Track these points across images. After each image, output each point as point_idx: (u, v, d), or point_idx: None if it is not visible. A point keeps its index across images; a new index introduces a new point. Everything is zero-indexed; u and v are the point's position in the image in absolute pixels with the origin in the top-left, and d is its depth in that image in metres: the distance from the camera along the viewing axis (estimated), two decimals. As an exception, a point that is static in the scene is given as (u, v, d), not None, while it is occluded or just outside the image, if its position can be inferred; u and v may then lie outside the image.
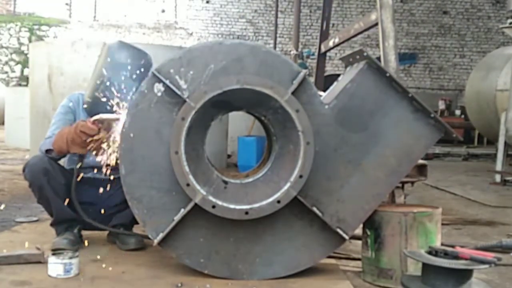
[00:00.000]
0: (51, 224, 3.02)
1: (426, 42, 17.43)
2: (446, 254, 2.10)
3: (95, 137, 2.69)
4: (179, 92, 2.46)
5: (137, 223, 2.98)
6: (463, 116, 13.62)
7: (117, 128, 2.63)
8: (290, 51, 7.87)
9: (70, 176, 2.91)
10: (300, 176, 2.44)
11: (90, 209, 2.99)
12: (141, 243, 2.99)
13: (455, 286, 2.04)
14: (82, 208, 2.94)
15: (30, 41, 16.42)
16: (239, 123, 7.59)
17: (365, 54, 2.59)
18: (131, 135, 2.49)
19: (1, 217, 3.86)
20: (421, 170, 2.97)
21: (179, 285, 2.39)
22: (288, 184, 2.45)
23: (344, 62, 2.86)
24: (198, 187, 2.42)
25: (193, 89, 2.46)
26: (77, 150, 2.76)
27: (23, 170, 2.89)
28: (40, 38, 16.68)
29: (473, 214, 4.54)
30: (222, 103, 2.51)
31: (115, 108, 2.71)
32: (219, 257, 2.54)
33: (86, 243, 3.03)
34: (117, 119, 2.64)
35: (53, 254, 2.52)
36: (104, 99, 2.80)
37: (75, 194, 2.86)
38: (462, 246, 2.23)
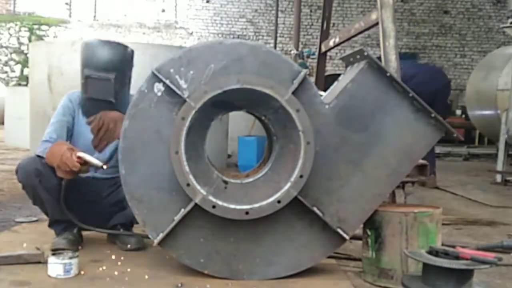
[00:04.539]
0: (49, 225, 3.02)
1: (427, 41, 17.42)
2: (446, 254, 2.09)
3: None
4: (179, 92, 2.46)
5: (137, 222, 2.99)
6: (463, 116, 13.61)
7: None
8: (291, 50, 7.87)
9: None
10: (301, 176, 2.44)
11: (89, 208, 2.99)
12: (141, 243, 2.99)
13: (456, 286, 2.04)
14: (82, 207, 2.93)
15: (30, 40, 16.42)
16: (239, 123, 7.58)
17: (365, 53, 2.58)
18: (131, 135, 2.49)
19: (1, 217, 3.86)
20: (421, 170, 2.96)
21: (179, 285, 2.39)
22: (289, 184, 2.44)
23: (345, 62, 2.86)
24: (198, 187, 2.41)
25: (193, 88, 2.46)
26: (63, 176, 2.75)
27: (16, 172, 2.88)
28: (40, 38, 16.68)
29: (474, 214, 4.53)
30: (222, 103, 2.50)
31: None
32: (219, 257, 2.54)
33: (85, 243, 3.03)
34: (100, 167, 2.72)
35: (53, 254, 2.52)
36: (90, 98, 2.87)
37: (64, 205, 2.85)
38: (463, 246, 2.22)
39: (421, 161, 2.82)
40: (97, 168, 2.76)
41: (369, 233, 2.57)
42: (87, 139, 2.92)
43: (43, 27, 17.20)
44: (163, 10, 17.44)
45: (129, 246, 2.96)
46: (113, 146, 2.89)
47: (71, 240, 2.91)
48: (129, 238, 3.00)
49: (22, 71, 16.95)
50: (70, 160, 2.66)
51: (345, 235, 2.55)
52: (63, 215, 2.92)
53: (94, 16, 17.39)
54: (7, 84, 16.27)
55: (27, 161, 2.87)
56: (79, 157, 2.67)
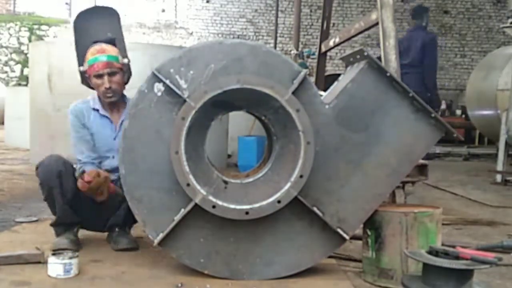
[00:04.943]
0: (51, 225, 3.02)
1: (427, 41, 17.37)
2: (446, 254, 2.10)
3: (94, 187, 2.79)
4: (179, 92, 2.46)
5: (131, 222, 2.99)
6: (464, 116, 13.60)
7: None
8: (291, 50, 7.85)
9: None
10: (301, 176, 2.43)
11: (93, 220, 3.01)
12: (132, 244, 2.98)
13: (456, 286, 2.04)
14: (85, 215, 2.96)
15: (30, 40, 16.42)
16: (239, 123, 7.58)
17: (365, 53, 2.58)
18: (131, 135, 2.49)
19: (1, 217, 3.86)
20: (421, 170, 2.96)
21: (179, 285, 2.39)
22: (289, 184, 2.44)
23: (345, 62, 2.86)
24: (198, 187, 2.41)
25: (193, 88, 2.46)
26: (96, 198, 2.86)
27: (36, 168, 2.89)
28: (40, 38, 16.67)
29: (474, 214, 4.53)
30: (222, 103, 2.50)
31: None
32: (219, 257, 2.53)
33: (86, 243, 3.04)
34: (105, 175, 2.81)
35: (53, 254, 2.52)
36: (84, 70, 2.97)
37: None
38: (463, 246, 2.22)
39: (421, 161, 2.82)
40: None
41: (369, 233, 2.57)
42: (107, 137, 3.02)
43: (43, 27, 17.19)
44: (163, 10, 17.43)
45: (119, 245, 2.96)
46: None
47: (73, 240, 2.92)
48: (121, 238, 2.99)
49: (22, 71, 16.94)
50: (80, 183, 2.77)
51: (345, 235, 2.55)
52: (69, 218, 2.93)
53: (94, 16, 17.35)
54: (7, 84, 16.26)
55: (50, 161, 2.87)
56: (86, 178, 2.76)
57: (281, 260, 2.55)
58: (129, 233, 3.08)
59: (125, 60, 3.00)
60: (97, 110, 3.03)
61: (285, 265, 2.55)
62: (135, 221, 2.89)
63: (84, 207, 2.93)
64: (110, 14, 3.19)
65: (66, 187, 2.86)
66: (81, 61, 3.02)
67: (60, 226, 2.98)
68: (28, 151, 7.18)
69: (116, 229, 3.02)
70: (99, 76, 2.91)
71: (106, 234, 3.13)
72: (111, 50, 2.95)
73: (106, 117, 3.04)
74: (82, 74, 3.01)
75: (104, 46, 2.95)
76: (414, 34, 7.07)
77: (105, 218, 3.02)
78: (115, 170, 3.00)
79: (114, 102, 3.00)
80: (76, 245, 2.90)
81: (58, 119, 5.95)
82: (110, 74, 2.91)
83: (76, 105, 3.06)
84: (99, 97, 3.04)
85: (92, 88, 3.02)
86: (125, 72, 3.01)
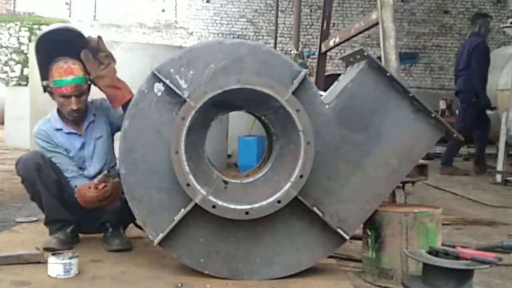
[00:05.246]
0: (45, 223, 3.02)
1: (427, 41, 17.41)
2: (447, 254, 2.09)
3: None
4: (179, 92, 2.46)
5: (126, 222, 2.99)
6: (463, 115, 13.56)
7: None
8: (291, 50, 7.86)
9: (62, 173, 2.94)
10: (301, 176, 2.43)
11: (86, 221, 3.01)
12: (124, 244, 2.96)
13: (456, 286, 2.04)
14: (77, 211, 2.94)
15: (30, 40, 16.42)
16: (239, 123, 7.57)
17: (365, 53, 2.58)
18: (131, 135, 2.49)
19: (1, 217, 3.86)
20: (421, 170, 2.97)
21: (179, 285, 2.39)
22: (289, 184, 2.44)
23: (345, 62, 2.86)
24: (198, 187, 2.41)
25: (193, 88, 2.46)
26: (109, 204, 2.84)
27: (16, 165, 2.89)
28: (40, 38, 16.65)
29: (474, 214, 4.52)
30: (223, 103, 2.50)
31: None
32: (219, 257, 2.53)
33: (85, 243, 3.03)
34: (107, 174, 2.79)
35: (53, 254, 2.52)
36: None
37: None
38: (463, 246, 2.22)
39: (421, 161, 2.82)
40: (106, 176, 2.82)
41: (369, 233, 2.57)
42: (79, 150, 3.00)
43: (43, 27, 17.17)
44: (163, 10, 17.43)
45: (112, 246, 2.94)
46: (102, 151, 3.02)
47: (62, 240, 2.91)
48: (113, 238, 2.98)
49: (22, 71, 16.94)
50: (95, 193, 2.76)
51: (345, 235, 2.55)
52: (59, 214, 2.92)
53: (94, 16, 17.37)
54: (7, 84, 16.26)
55: (28, 156, 2.89)
56: (96, 187, 2.76)
57: (281, 260, 2.55)
58: (123, 233, 3.05)
59: (91, 77, 2.89)
60: (61, 129, 3.00)
61: (285, 265, 2.55)
62: (130, 221, 2.89)
63: (74, 207, 2.90)
64: (77, 36, 2.90)
65: (47, 180, 2.84)
66: (44, 75, 2.95)
67: (52, 224, 2.97)
68: (28, 151, 7.18)
69: (110, 229, 3.01)
70: (66, 97, 2.88)
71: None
72: (78, 69, 2.85)
73: (72, 132, 3.01)
74: (45, 87, 2.95)
75: (71, 64, 2.84)
76: (468, 40, 7.58)
77: (98, 218, 3.02)
78: (93, 178, 2.98)
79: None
80: (65, 244, 2.89)
81: (58, 119, 5.94)
82: (78, 96, 2.88)
83: (39, 129, 3.01)
84: (58, 112, 3.01)
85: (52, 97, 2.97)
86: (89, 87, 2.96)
